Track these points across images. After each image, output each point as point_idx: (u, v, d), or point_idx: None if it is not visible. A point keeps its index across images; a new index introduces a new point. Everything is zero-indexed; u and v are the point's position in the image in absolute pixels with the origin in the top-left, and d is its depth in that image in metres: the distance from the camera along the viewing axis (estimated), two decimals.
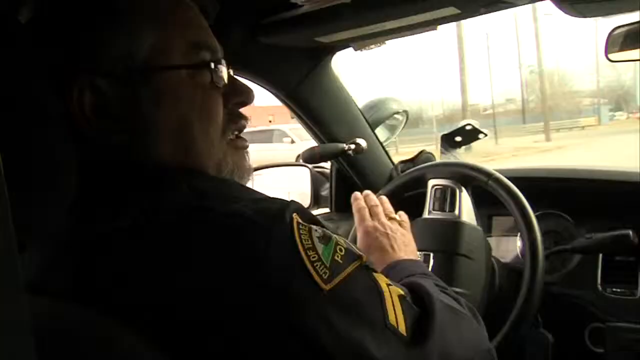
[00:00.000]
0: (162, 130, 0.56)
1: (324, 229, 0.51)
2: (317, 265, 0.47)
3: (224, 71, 0.60)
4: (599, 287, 1.21)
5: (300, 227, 0.49)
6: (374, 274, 0.53)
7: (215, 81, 0.59)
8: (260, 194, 0.55)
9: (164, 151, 0.56)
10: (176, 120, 0.56)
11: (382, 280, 0.53)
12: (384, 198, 0.93)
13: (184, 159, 0.56)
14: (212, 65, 0.59)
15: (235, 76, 0.63)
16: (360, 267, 0.51)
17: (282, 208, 0.49)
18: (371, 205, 0.89)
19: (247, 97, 0.63)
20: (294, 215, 0.49)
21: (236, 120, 0.63)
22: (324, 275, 0.47)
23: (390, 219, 0.87)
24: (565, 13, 1.02)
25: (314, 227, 0.50)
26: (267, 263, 0.46)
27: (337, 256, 0.50)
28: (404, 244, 0.83)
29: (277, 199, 0.52)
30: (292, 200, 0.52)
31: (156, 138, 0.56)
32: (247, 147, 0.65)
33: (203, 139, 0.58)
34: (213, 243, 0.47)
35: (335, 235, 0.51)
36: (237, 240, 0.47)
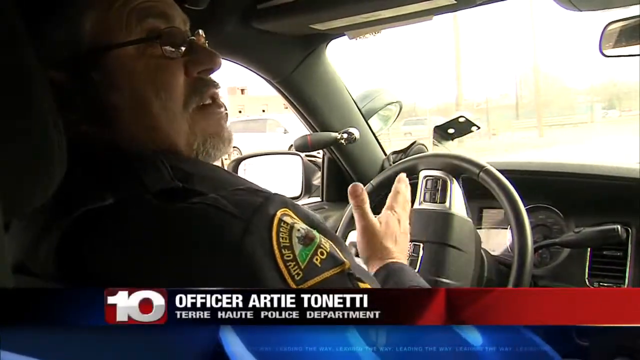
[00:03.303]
0: (123, 112, 0.54)
1: (310, 230, 0.50)
2: (290, 264, 0.47)
3: (179, 39, 0.57)
4: (587, 281, 1.22)
5: (282, 224, 0.48)
6: (360, 283, 0.52)
7: (165, 53, 0.56)
8: (247, 182, 0.54)
9: (133, 134, 0.55)
10: (133, 99, 0.55)
11: None
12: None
13: (154, 140, 0.55)
14: (162, 35, 0.55)
15: (206, 46, 0.60)
16: (341, 274, 0.50)
17: (264, 202, 0.49)
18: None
19: (211, 63, 0.60)
20: (279, 211, 0.49)
21: (202, 89, 0.59)
22: (296, 276, 0.47)
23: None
24: (561, 6, 1.02)
25: (297, 226, 0.49)
26: (240, 254, 0.46)
27: (316, 259, 0.49)
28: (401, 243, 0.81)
29: (263, 191, 0.51)
30: (276, 194, 0.51)
31: (120, 122, 0.54)
32: (221, 112, 0.61)
33: (164, 114, 0.55)
34: (191, 227, 0.47)
35: (320, 238, 0.50)
36: (214, 228, 0.47)
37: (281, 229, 0.48)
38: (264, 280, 0.46)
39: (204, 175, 0.52)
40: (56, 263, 0.47)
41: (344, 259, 0.52)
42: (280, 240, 0.47)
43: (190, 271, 0.46)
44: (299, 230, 0.49)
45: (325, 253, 0.50)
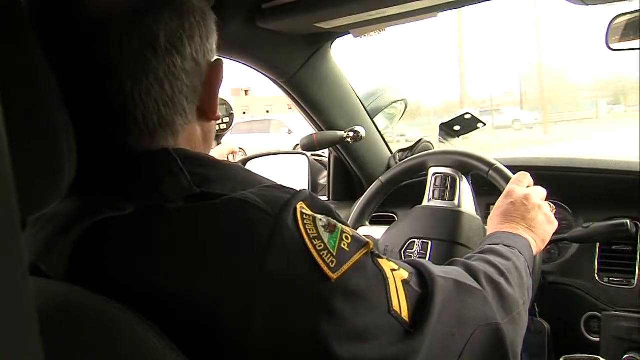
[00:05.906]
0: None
1: (329, 218, 0.50)
2: (323, 254, 0.47)
3: None
4: (596, 276, 1.21)
5: (304, 216, 0.48)
6: (379, 260, 0.53)
7: None
8: (268, 180, 0.54)
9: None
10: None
11: (387, 266, 0.53)
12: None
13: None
14: None
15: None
16: (366, 255, 0.51)
17: (290, 197, 0.49)
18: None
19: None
20: (299, 204, 0.49)
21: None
22: (331, 264, 0.47)
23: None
24: (568, 1, 1.01)
25: (318, 216, 0.50)
26: (270, 251, 0.46)
27: (344, 244, 0.49)
28: (532, 220, 0.88)
29: (287, 187, 0.52)
30: (302, 190, 0.51)
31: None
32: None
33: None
34: (218, 228, 0.47)
35: (340, 224, 0.51)
36: (242, 227, 0.47)
37: (305, 221, 0.48)
38: (301, 274, 0.46)
39: (222, 176, 0.52)
40: (69, 267, 0.47)
41: (367, 240, 0.52)
42: (309, 231, 0.48)
43: (216, 270, 0.46)
44: (320, 219, 0.50)
45: (349, 237, 0.51)
